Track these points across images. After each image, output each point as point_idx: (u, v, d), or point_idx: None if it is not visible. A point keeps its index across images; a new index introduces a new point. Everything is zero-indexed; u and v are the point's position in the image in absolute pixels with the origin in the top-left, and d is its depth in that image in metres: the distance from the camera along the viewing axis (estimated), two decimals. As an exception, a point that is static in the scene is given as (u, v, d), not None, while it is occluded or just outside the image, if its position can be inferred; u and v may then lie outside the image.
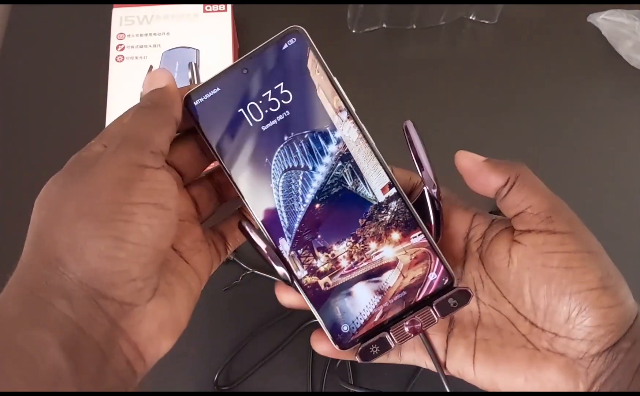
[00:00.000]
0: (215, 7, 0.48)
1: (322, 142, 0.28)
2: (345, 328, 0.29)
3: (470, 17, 0.56)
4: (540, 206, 0.27)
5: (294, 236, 0.29)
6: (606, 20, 0.55)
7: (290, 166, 0.28)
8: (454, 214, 0.30)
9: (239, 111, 0.28)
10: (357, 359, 0.28)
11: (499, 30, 0.56)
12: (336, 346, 0.29)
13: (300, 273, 0.29)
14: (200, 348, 0.42)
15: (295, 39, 0.27)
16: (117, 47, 0.46)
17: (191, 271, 0.28)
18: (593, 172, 0.50)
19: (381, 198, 0.29)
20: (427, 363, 0.30)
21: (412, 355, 0.30)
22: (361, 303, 0.29)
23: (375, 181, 0.29)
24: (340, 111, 0.28)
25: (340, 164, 0.28)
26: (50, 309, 0.21)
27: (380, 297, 0.29)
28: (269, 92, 0.28)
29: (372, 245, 0.29)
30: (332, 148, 0.28)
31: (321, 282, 0.29)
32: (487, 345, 0.28)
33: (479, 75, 0.54)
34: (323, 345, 0.29)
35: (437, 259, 0.28)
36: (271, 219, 0.29)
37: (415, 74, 0.54)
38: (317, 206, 0.29)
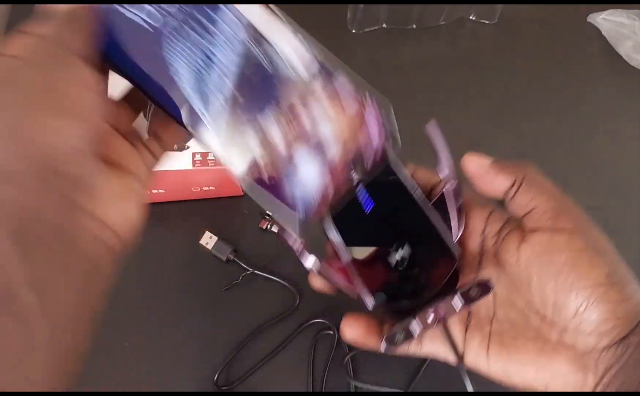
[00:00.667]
0: (215, 7, 0.48)
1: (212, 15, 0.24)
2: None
3: (470, 17, 0.56)
4: (546, 205, 0.27)
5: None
6: (606, 20, 0.55)
7: (191, 56, 0.25)
8: (471, 212, 0.31)
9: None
10: (382, 348, 0.28)
11: (499, 30, 0.56)
12: (372, 306, 0.29)
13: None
14: (200, 348, 0.42)
15: None
16: (117, 47, 0.46)
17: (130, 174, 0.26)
18: (593, 171, 0.50)
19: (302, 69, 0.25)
20: (446, 355, 0.30)
21: (431, 346, 0.31)
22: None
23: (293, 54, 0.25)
24: None
25: (251, 44, 0.24)
26: None
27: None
28: None
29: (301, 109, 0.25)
30: (239, 32, 0.24)
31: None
32: (500, 338, 0.29)
33: (479, 75, 0.54)
34: (353, 330, 0.30)
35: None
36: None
37: (415, 74, 0.54)
38: (237, 92, 0.25)
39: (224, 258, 0.45)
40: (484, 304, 0.30)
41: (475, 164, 0.29)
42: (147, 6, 0.24)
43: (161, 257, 0.45)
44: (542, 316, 0.28)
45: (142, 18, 0.25)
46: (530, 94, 0.53)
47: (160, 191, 0.45)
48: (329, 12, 0.55)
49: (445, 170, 0.29)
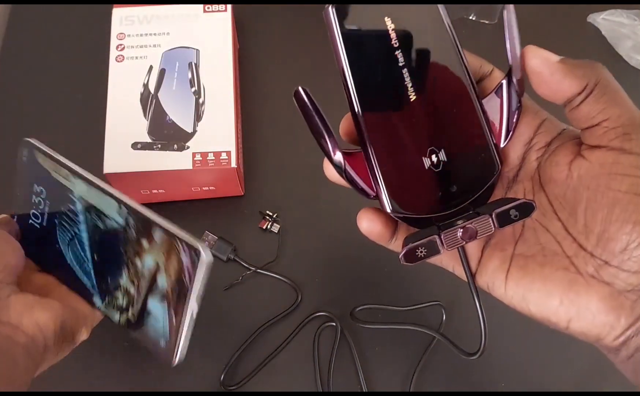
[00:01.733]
0: (215, 7, 0.48)
1: (72, 207, 0.34)
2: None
3: (471, 17, 0.56)
4: (618, 120, 0.23)
5: (97, 289, 0.34)
6: (606, 20, 0.55)
7: (67, 240, 0.34)
8: (521, 116, 0.27)
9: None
10: (402, 260, 0.25)
11: (499, 30, 0.56)
12: (389, 210, 0.26)
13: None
14: (205, 348, 0.42)
15: (27, 150, 0.35)
16: (117, 47, 0.46)
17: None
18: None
19: (121, 221, 0.32)
20: (455, 269, 0.28)
21: (441, 257, 0.28)
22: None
23: (112, 210, 0.32)
24: (68, 176, 0.33)
25: (87, 214, 0.33)
26: None
27: None
28: (33, 197, 0.35)
29: (137, 262, 0.32)
30: (78, 206, 0.33)
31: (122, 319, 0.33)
32: (525, 262, 0.26)
33: (479, 75, 0.54)
34: (370, 221, 0.27)
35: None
36: (81, 289, 0.34)
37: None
38: (96, 257, 0.33)
39: (224, 258, 0.45)
40: None
41: (540, 60, 0.25)
42: (35, 211, 0.35)
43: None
44: (579, 244, 0.24)
45: (35, 222, 0.36)
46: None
47: (161, 191, 0.45)
48: (329, 12, 0.55)
49: (514, 58, 0.25)
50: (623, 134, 0.23)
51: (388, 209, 0.26)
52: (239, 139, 0.46)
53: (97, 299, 0.34)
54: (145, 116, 0.44)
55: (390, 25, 0.26)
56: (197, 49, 0.46)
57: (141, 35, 0.47)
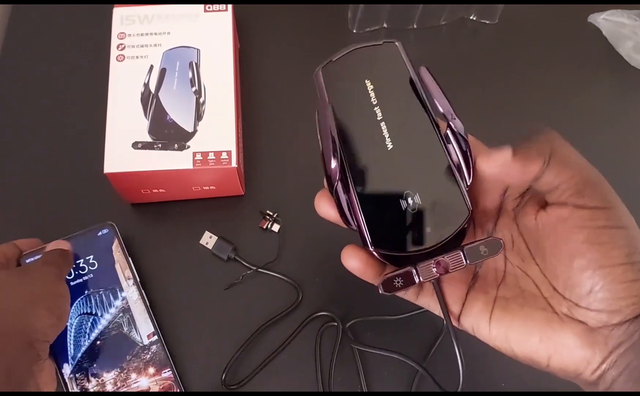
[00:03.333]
0: (216, 7, 0.48)
1: (111, 298, 0.41)
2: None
3: (471, 17, 0.56)
4: (572, 180, 0.25)
5: (75, 363, 0.39)
6: (607, 20, 0.55)
7: (84, 311, 0.40)
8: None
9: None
10: (380, 289, 0.27)
11: (500, 30, 0.56)
12: (371, 247, 0.28)
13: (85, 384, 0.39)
14: (205, 348, 0.42)
15: (107, 230, 0.42)
16: (117, 47, 0.46)
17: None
18: (593, 172, 0.50)
19: (146, 341, 0.40)
20: (439, 311, 0.29)
21: (427, 299, 0.30)
22: None
23: (144, 329, 0.40)
24: (128, 279, 0.41)
25: (121, 314, 0.40)
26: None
27: None
28: (81, 260, 0.41)
29: (133, 376, 0.39)
30: (117, 303, 0.41)
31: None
32: (506, 303, 0.28)
33: (479, 75, 0.54)
34: (352, 259, 0.29)
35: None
36: (60, 350, 0.39)
37: (415, 74, 0.54)
38: (98, 342, 0.39)
39: (225, 257, 0.45)
40: (492, 268, 0.29)
41: (496, 163, 0.26)
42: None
43: (161, 257, 0.45)
44: (553, 287, 0.27)
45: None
46: (530, 94, 0.53)
47: (161, 190, 0.45)
48: (329, 12, 0.55)
49: (443, 106, 0.28)
50: (577, 192, 0.25)
51: (369, 246, 0.28)
52: (240, 138, 0.46)
53: (66, 368, 0.39)
54: (145, 115, 0.44)
55: (369, 86, 0.29)
56: (197, 49, 0.46)
57: (142, 34, 0.47)
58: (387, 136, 0.28)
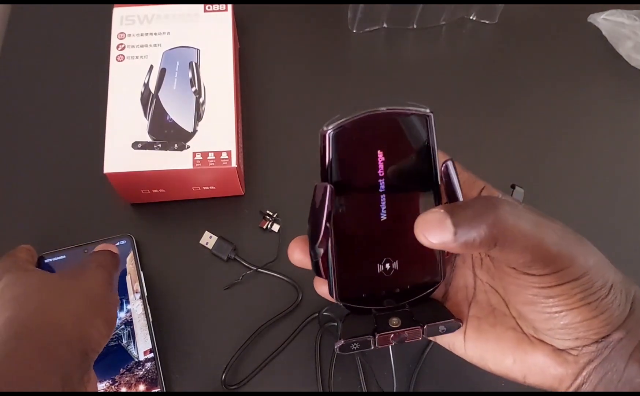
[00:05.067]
0: (215, 7, 0.48)
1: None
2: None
3: (471, 17, 0.56)
4: (519, 260, 0.24)
5: None
6: (607, 20, 0.55)
7: None
8: (463, 187, 0.28)
9: None
10: (337, 350, 0.28)
11: (499, 30, 0.56)
12: (337, 300, 0.29)
13: None
14: (205, 347, 0.42)
15: (125, 241, 0.43)
16: (117, 47, 0.46)
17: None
18: (593, 172, 0.50)
19: (142, 357, 0.40)
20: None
21: None
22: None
23: (142, 345, 0.41)
24: (136, 292, 0.42)
25: (123, 326, 0.41)
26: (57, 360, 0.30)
27: None
28: None
29: (123, 389, 0.39)
30: (121, 315, 0.41)
31: None
32: (478, 323, 0.28)
33: (479, 75, 0.54)
34: (322, 287, 0.29)
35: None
36: None
37: (415, 74, 0.54)
38: None
39: (225, 257, 0.45)
40: (463, 286, 0.30)
41: (441, 238, 0.23)
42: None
43: (161, 257, 0.45)
44: (518, 310, 0.27)
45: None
46: (531, 94, 0.53)
47: (161, 190, 0.45)
48: (329, 12, 0.55)
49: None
50: (525, 266, 0.24)
51: (335, 297, 0.28)
52: (239, 138, 0.46)
53: None
54: (145, 115, 0.44)
55: (381, 158, 0.27)
56: (197, 49, 0.46)
57: (142, 34, 0.47)
58: (383, 208, 0.28)
